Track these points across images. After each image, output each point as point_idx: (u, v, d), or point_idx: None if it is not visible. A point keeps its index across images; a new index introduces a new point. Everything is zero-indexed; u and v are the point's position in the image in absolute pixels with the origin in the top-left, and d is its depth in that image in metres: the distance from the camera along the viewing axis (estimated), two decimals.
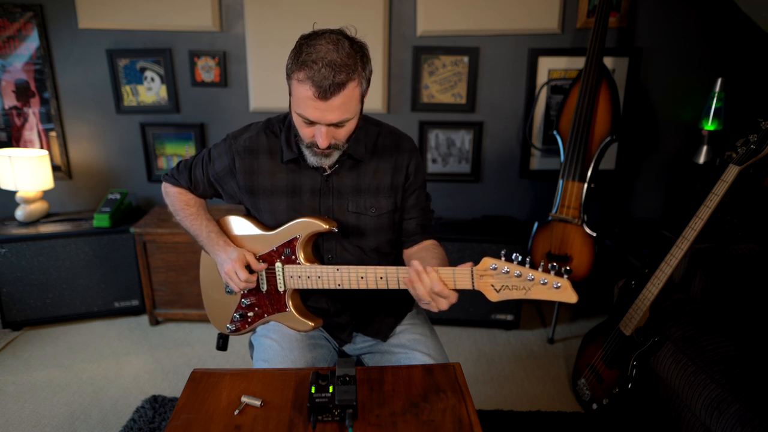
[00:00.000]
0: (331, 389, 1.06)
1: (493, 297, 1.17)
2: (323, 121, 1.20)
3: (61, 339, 2.68)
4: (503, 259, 1.15)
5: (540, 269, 1.12)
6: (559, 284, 1.10)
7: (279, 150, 1.38)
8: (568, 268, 1.11)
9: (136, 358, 2.53)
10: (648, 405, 1.96)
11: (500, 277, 1.15)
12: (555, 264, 1.11)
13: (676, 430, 1.79)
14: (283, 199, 1.38)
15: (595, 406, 2.03)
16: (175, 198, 1.50)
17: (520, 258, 1.13)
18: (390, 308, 1.49)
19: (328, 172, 1.37)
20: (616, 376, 1.94)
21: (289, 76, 1.22)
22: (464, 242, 2.64)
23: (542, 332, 2.75)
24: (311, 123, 1.22)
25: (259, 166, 1.38)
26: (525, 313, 2.90)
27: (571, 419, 2.10)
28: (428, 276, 1.17)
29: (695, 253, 2.06)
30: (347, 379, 1.07)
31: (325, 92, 1.15)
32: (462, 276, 1.18)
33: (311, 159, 1.29)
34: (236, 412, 1.09)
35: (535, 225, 2.58)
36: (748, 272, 1.99)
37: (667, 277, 1.81)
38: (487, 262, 1.15)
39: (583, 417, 2.12)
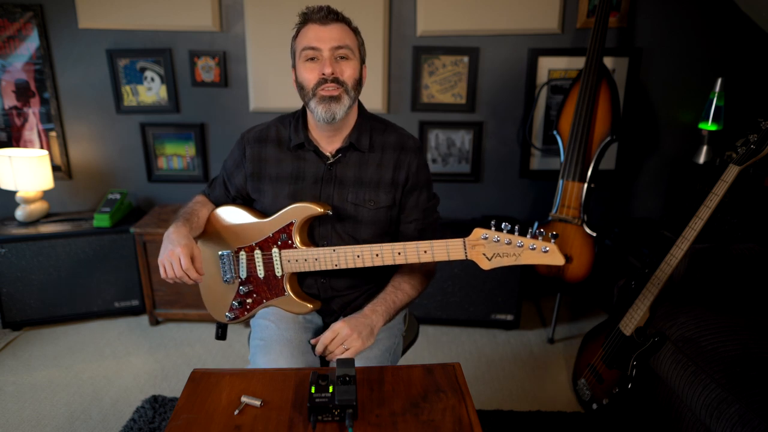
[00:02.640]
0: (331, 389, 1.06)
1: (485, 265, 1.24)
2: (325, 43, 1.29)
3: (61, 339, 2.68)
4: (493, 228, 1.21)
5: (528, 236, 1.19)
6: (547, 248, 1.17)
7: (287, 139, 1.44)
8: (554, 233, 1.17)
9: (136, 358, 2.53)
10: (648, 405, 1.96)
11: (491, 246, 1.21)
12: (542, 230, 1.18)
13: (676, 430, 1.79)
14: (286, 185, 1.43)
15: (595, 406, 2.03)
16: (191, 200, 1.56)
17: (509, 227, 1.20)
18: (371, 297, 1.52)
19: (332, 160, 1.41)
20: (616, 376, 1.94)
21: (293, 42, 1.37)
22: None
23: (542, 332, 2.75)
24: (314, 57, 1.31)
25: (267, 154, 1.45)
26: (525, 313, 2.90)
27: (571, 419, 2.10)
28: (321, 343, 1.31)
29: (695, 253, 2.06)
30: (347, 379, 1.07)
31: (323, 19, 1.30)
32: (454, 247, 1.25)
33: (320, 112, 1.32)
34: (236, 412, 1.09)
35: (535, 225, 2.58)
36: (748, 272, 1.99)
37: (667, 277, 1.81)
38: (478, 232, 1.22)
39: (583, 417, 2.12)
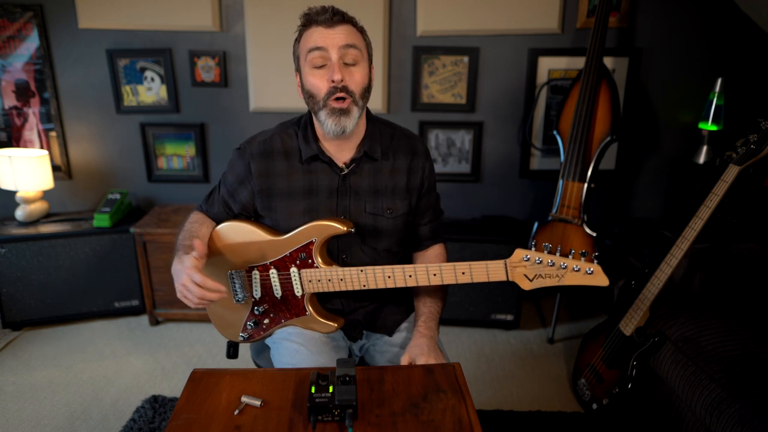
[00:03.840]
0: (331, 389, 1.06)
1: (526, 286, 1.22)
2: (332, 44, 1.24)
3: (61, 339, 2.68)
4: (534, 249, 1.20)
5: (570, 257, 1.17)
6: (591, 270, 1.15)
7: (296, 151, 1.37)
8: (597, 253, 1.16)
9: (136, 358, 2.53)
10: (648, 405, 1.96)
11: (533, 267, 1.20)
12: (585, 251, 1.18)
13: (676, 430, 1.79)
14: (300, 200, 1.36)
15: (595, 406, 2.03)
16: (188, 219, 1.45)
17: (550, 246, 1.18)
18: (397, 304, 1.51)
19: (346, 171, 1.36)
20: (616, 376, 1.94)
21: (296, 45, 1.31)
22: (464, 242, 2.64)
23: (542, 332, 2.75)
24: (322, 64, 1.26)
25: (275, 169, 1.37)
26: (525, 313, 2.90)
27: (571, 419, 2.10)
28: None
29: (695, 253, 2.06)
30: (347, 379, 1.07)
31: (329, 21, 1.24)
32: (495, 269, 1.24)
33: (330, 125, 1.27)
34: (236, 412, 1.09)
35: (535, 225, 2.58)
36: (748, 272, 1.99)
37: (667, 277, 1.81)
38: (520, 254, 1.20)
39: (583, 417, 2.12)
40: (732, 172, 1.67)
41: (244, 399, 1.12)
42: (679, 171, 2.80)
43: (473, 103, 2.83)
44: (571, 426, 2.07)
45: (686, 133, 2.75)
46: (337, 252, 1.40)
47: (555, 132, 2.52)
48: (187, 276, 1.21)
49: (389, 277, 1.29)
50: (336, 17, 1.25)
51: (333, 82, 1.24)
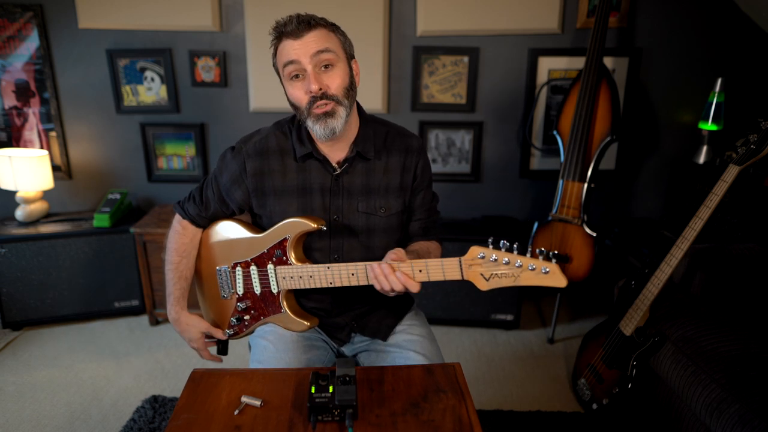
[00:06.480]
0: (331, 389, 1.06)
1: (482, 286, 1.17)
2: (304, 54, 1.23)
3: (61, 339, 2.68)
4: (491, 246, 1.14)
5: (528, 255, 1.12)
6: (547, 269, 1.10)
7: (290, 149, 1.37)
8: (556, 252, 1.11)
9: (136, 358, 2.54)
10: (648, 405, 1.96)
11: (489, 266, 1.14)
12: (543, 249, 1.11)
13: (676, 430, 1.79)
14: (294, 199, 1.37)
15: (595, 406, 2.03)
16: (171, 240, 1.45)
17: (507, 245, 1.13)
18: (390, 308, 1.49)
19: (338, 171, 1.36)
20: (616, 376, 1.94)
21: (274, 59, 1.30)
22: (464, 242, 2.64)
23: (542, 332, 2.75)
24: (298, 73, 1.25)
25: (270, 167, 1.37)
26: (525, 313, 2.90)
27: (571, 419, 2.10)
28: (389, 278, 1.20)
29: (695, 253, 2.06)
30: (347, 379, 1.07)
31: (296, 31, 1.23)
32: (450, 266, 1.19)
33: (319, 130, 1.27)
34: (236, 412, 1.09)
35: (535, 225, 2.58)
36: (748, 272, 1.99)
37: (667, 277, 1.81)
38: (475, 251, 1.15)
39: (583, 417, 2.12)
40: (732, 172, 1.67)
41: (244, 399, 1.12)
42: (679, 171, 2.80)
43: (473, 103, 2.83)
44: (571, 426, 2.07)
45: (686, 133, 2.76)
46: (330, 251, 1.40)
47: (555, 132, 2.52)
48: (195, 348, 1.50)
49: (353, 274, 1.27)
50: (302, 25, 1.22)
51: (311, 92, 1.24)
